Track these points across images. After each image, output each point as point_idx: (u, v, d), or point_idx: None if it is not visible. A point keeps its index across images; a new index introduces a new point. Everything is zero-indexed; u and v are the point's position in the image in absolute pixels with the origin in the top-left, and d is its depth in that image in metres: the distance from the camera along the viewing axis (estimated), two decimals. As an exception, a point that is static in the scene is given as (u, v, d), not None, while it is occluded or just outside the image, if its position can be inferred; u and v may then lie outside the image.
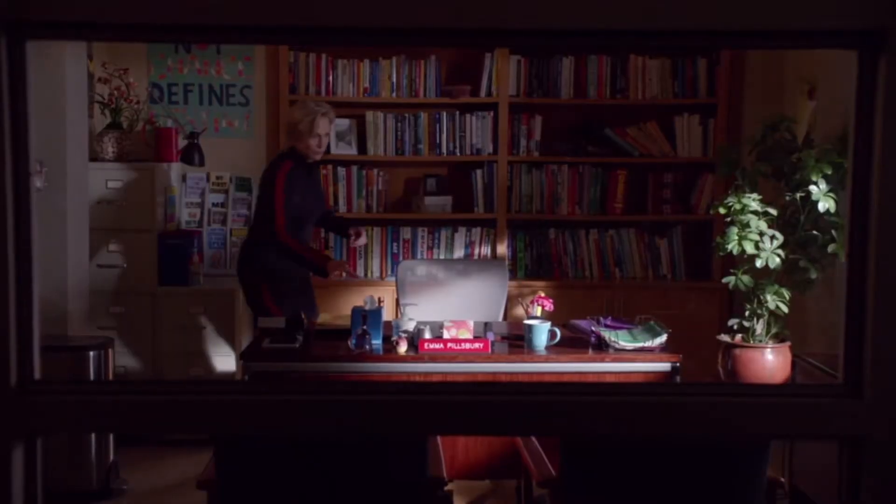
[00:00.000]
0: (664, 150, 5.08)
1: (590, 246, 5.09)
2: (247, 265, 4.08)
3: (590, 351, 3.53)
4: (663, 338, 3.53)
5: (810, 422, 1.30)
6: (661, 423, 1.33)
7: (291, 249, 3.90)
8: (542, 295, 3.73)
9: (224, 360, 4.60)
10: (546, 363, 3.45)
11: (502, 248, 5.04)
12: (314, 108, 3.98)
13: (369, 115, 4.98)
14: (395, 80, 4.96)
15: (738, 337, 4.12)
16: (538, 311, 3.68)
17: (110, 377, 3.94)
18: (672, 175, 5.11)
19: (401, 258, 4.98)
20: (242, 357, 3.48)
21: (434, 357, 3.40)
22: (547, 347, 3.51)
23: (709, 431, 1.40)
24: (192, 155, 4.82)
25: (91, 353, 3.82)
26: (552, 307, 3.65)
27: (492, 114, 5.00)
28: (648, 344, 3.51)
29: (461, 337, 3.46)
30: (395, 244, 5.05)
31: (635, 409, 1.32)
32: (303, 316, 3.64)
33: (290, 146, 4.05)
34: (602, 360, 3.47)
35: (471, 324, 3.54)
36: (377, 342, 3.44)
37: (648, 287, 5.01)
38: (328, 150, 4.86)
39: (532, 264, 5.11)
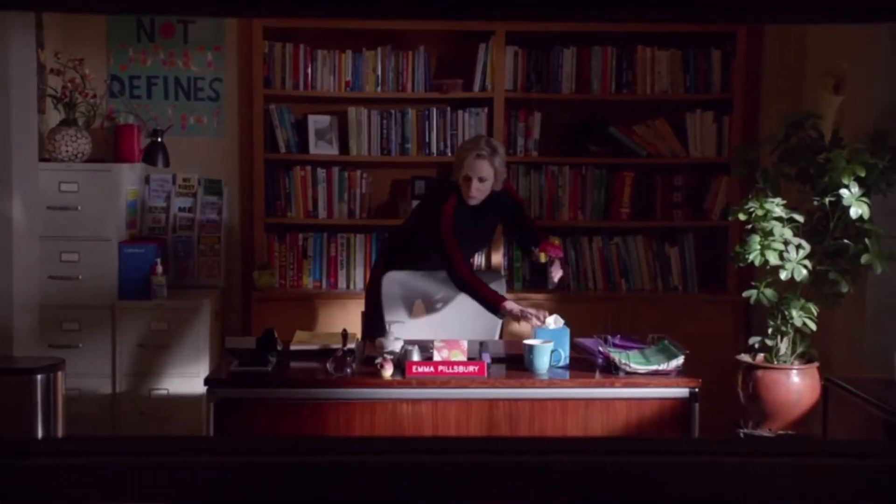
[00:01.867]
0: (674, 149, 4.97)
1: (593, 254, 4.99)
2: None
3: (597, 374, 3.38)
4: (680, 360, 3.37)
5: (876, 486, 1.14)
6: (697, 489, 1.17)
7: (470, 285, 3.74)
8: (552, 242, 3.65)
9: (191, 383, 4.44)
10: (549, 388, 3.31)
11: (498, 258, 4.92)
12: (473, 146, 3.74)
13: (352, 111, 4.88)
14: (380, 73, 4.86)
15: (760, 357, 3.99)
16: (542, 257, 3.66)
17: (60, 402, 3.73)
18: (683, 177, 5.02)
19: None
20: (207, 383, 3.30)
21: (423, 382, 3.26)
22: (549, 369, 3.37)
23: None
24: (155, 155, 4.72)
25: (38, 377, 3.68)
26: (560, 253, 3.66)
27: (486, 110, 4.90)
28: (663, 367, 3.36)
29: (454, 359, 3.32)
30: (379, 253, 4.88)
31: (665, 473, 1.16)
32: (276, 335, 3.46)
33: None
34: (612, 385, 3.32)
35: (464, 344, 3.40)
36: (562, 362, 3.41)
37: (657, 300, 4.90)
38: (307, 150, 4.84)
39: (530, 275, 4.96)
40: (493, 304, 3.65)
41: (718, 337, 4.71)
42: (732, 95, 4.88)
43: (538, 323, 3.51)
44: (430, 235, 3.79)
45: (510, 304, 3.65)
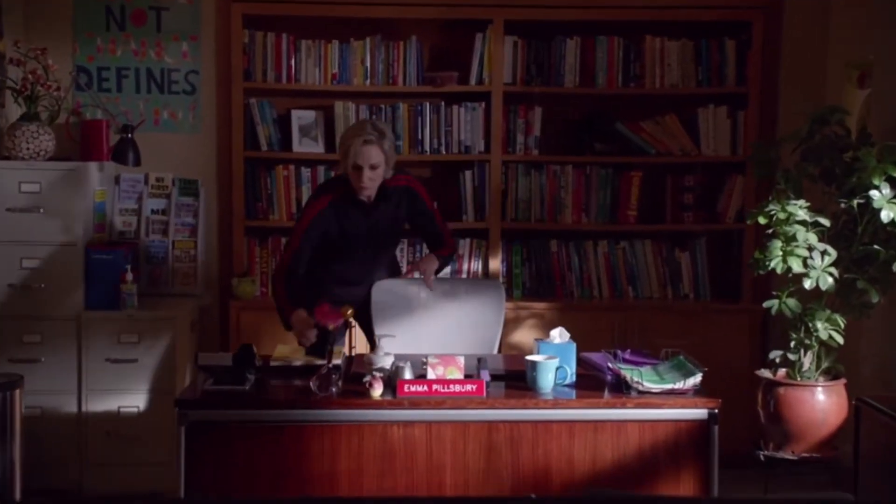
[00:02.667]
0: (685, 147, 4.91)
1: (598, 260, 4.93)
2: None
3: (606, 393, 3.25)
4: (697, 378, 3.22)
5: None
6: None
7: (275, 292, 3.71)
8: (340, 311, 3.36)
9: (164, 400, 4.33)
10: (554, 409, 3.17)
11: (495, 264, 4.86)
12: (357, 131, 3.62)
13: (338, 105, 4.82)
14: (368, 64, 4.81)
15: (782, 372, 3.86)
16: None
17: (18, 423, 3.59)
18: (695, 177, 4.96)
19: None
20: (178, 404, 3.15)
21: (416, 402, 3.13)
22: (554, 388, 3.24)
23: None
24: (125, 152, 4.64)
25: (-6, 395, 3.52)
26: (336, 322, 3.36)
27: (483, 105, 4.86)
28: (679, 385, 3.20)
29: (449, 377, 3.19)
30: (368, 259, 4.82)
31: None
32: (254, 350, 3.32)
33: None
34: (623, 406, 3.17)
35: (461, 360, 3.26)
36: (567, 379, 3.27)
37: (667, 309, 4.84)
38: (290, 147, 4.82)
39: (530, 282, 4.93)
40: (284, 317, 3.60)
41: (732, 350, 4.69)
42: (748, 89, 4.83)
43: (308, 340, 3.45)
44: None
45: (297, 316, 3.50)
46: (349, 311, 3.36)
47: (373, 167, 3.59)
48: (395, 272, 4.04)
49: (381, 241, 3.83)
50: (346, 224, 3.69)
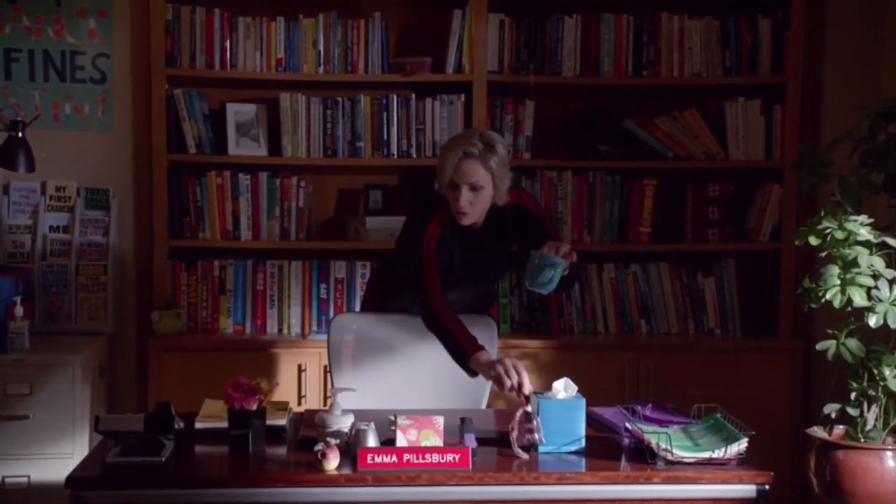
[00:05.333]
0: (710, 149, 4.89)
1: (604, 287, 4.93)
2: None
3: (624, 463, 3.06)
4: (742, 444, 3.01)
5: None
6: None
7: (441, 321, 3.48)
8: (250, 386, 3.17)
9: (63, 468, 4.08)
10: (559, 485, 2.97)
11: None
12: (460, 141, 3.49)
13: (284, 98, 4.80)
14: (322, 48, 4.79)
15: (839, 430, 3.66)
16: None
17: None
18: (721, 186, 4.95)
19: (331, 308, 4.80)
20: (70, 484, 2.91)
21: (383, 477, 2.94)
22: (559, 458, 3.09)
23: None
24: (15, 155, 4.54)
25: None
26: (249, 405, 3.14)
27: (462, 98, 4.84)
28: (719, 454, 3.00)
29: (425, 443, 3.03)
30: (322, 287, 4.85)
31: None
32: (173, 411, 3.11)
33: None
34: (648, 480, 2.96)
35: (439, 422, 3.07)
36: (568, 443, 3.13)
37: (687, 347, 4.83)
38: (225, 150, 4.82)
39: (521, 315, 4.93)
40: (464, 351, 3.39)
41: (769, 398, 4.64)
42: (786, 79, 4.82)
43: (512, 392, 3.23)
44: (406, 267, 3.55)
45: (484, 356, 3.34)
46: (271, 386, 3.23)
47: (473, 188, 3.43)
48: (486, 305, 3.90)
49: (485, 275, 3.72)
50: (453, 253, 3.56)
